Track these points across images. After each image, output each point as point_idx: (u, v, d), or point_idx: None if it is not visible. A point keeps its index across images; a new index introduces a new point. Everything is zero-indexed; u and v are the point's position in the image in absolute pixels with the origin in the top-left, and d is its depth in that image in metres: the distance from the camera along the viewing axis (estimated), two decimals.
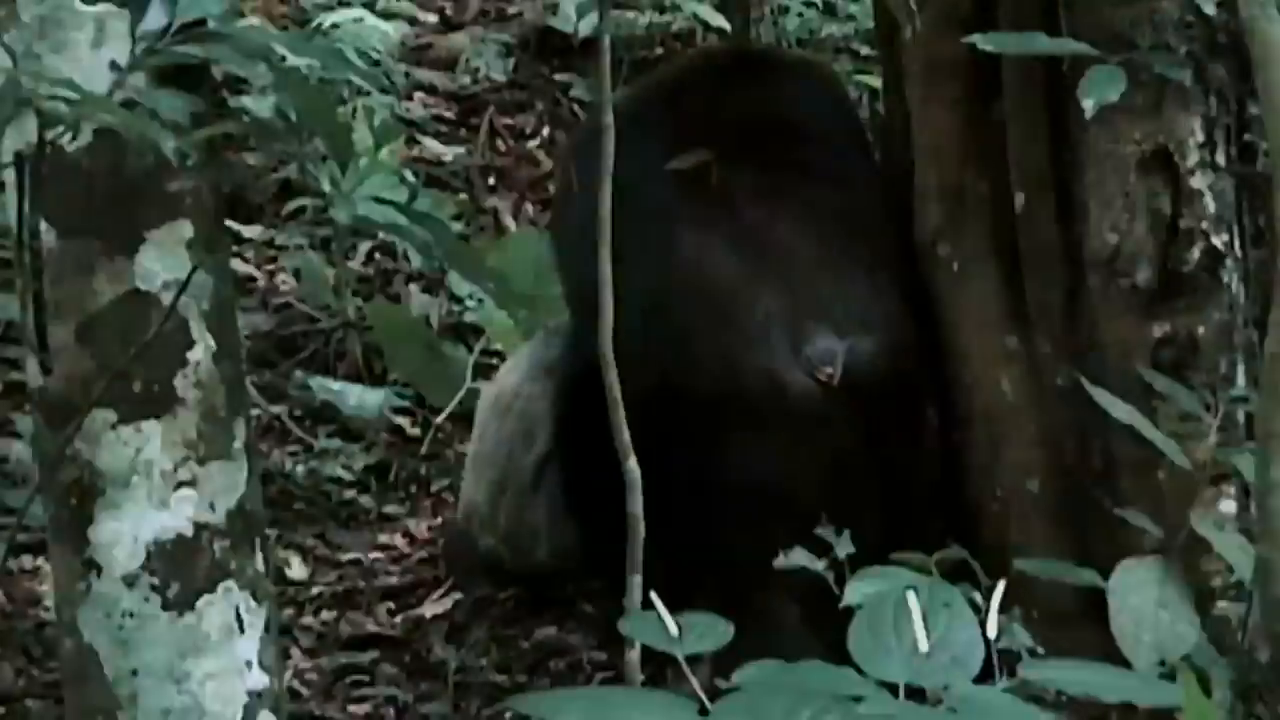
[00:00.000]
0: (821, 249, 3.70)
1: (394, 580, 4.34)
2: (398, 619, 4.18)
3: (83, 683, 2.40)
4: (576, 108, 6.21)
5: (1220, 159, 3.51)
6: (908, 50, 3.77)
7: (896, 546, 3.16)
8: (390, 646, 4.05)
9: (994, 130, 3.66)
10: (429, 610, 4.18)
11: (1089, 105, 3.16)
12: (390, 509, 4.66)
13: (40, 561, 4.14)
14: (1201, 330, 3.49)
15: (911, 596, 1.68)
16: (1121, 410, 3.12)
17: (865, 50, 6.12)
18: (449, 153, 5.33)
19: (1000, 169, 3.66)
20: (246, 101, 2.13)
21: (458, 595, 4.27)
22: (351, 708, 3.77)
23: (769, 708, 1.56)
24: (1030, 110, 3.58)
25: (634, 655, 2.59)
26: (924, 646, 1.66)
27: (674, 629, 1.81)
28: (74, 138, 2.25)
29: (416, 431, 4.84)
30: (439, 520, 4.56)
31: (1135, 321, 3.50)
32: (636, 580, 2.58)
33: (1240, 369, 3.51)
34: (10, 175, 2.32)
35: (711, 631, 1.85)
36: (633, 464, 2.58)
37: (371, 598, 4.26)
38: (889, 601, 1.74)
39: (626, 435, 2.58)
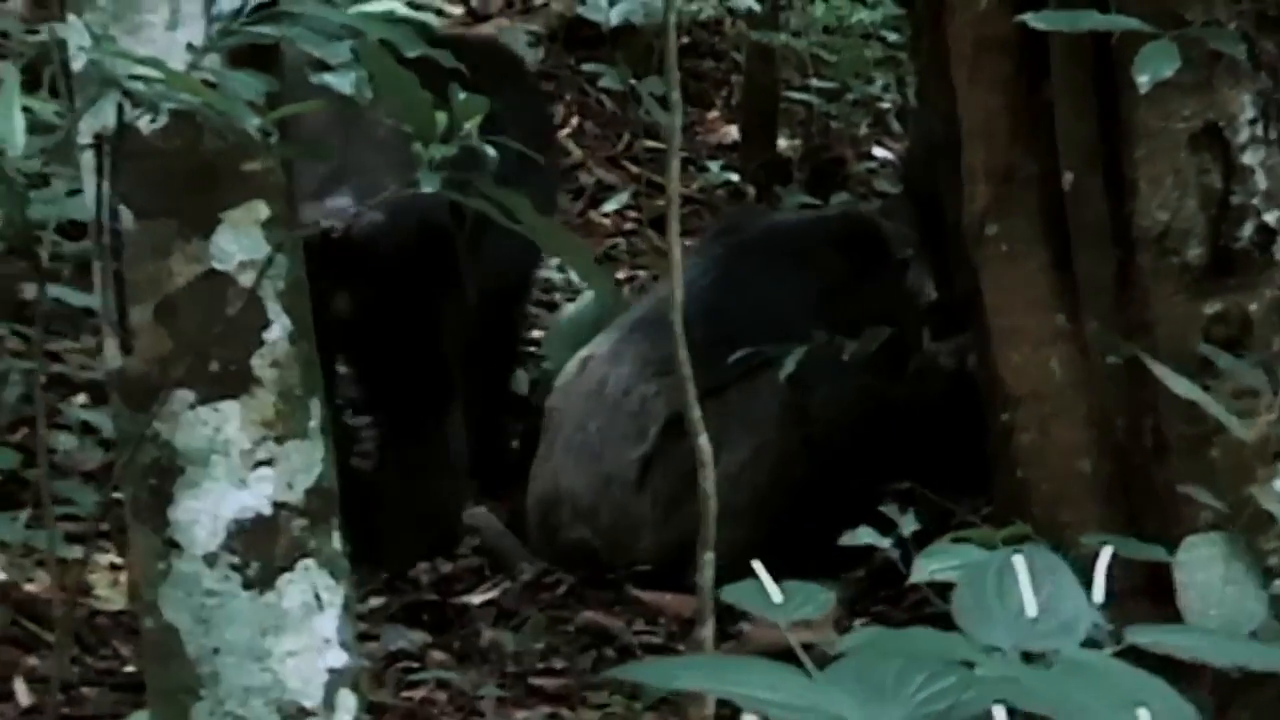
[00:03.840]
0: (378, 157, 3.66)
1: (443, 567, 4.36)
2: (445, 604, 4.19)
3: (165, 661, 2.41)
4: (605, 98, 6.23)
5: (1272, 134, 3.50)
6: (955, 31, 3.78)
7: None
8: (439, 632, 4.06)
9: (1042, 110, 3.68)
10: (477, 597, 4.19)
11: (1144, 81, 3.17)
12: None
13: (76, 550, 4.15)
14: (1254, 307, 3.49)
15: (1018, 560, 1.68)
16: (1182, 385, 3.13)
17: (893, 37, 6.13)
18: None
19: (1049, 148, 3.67)
20: (329, 79, 2.12)
21: (505, 582, 4.28)
22: (404, 693, 3.77)
23: (880, 674, 1.56)
24: (1079, 88, 3.59)
25: (706, 632, 2.60)
26: (1031, 611, 1.67)
27: (777, 595, 1.82)
28: (154, 119, 2.27)
29: None
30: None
31: (1186, 300, 3.51)
32: (709, 557, 2.60)
33: None
34: (88, 158, 2.34)
35: (812, 598, 1.86)
36: (704, 441, 2.59)
37: (419, 583, 4.27)
38: (991, 567, 1.74)
39: (697, 412, 2.59)
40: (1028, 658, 1.68)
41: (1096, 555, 3.09)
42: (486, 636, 4.01)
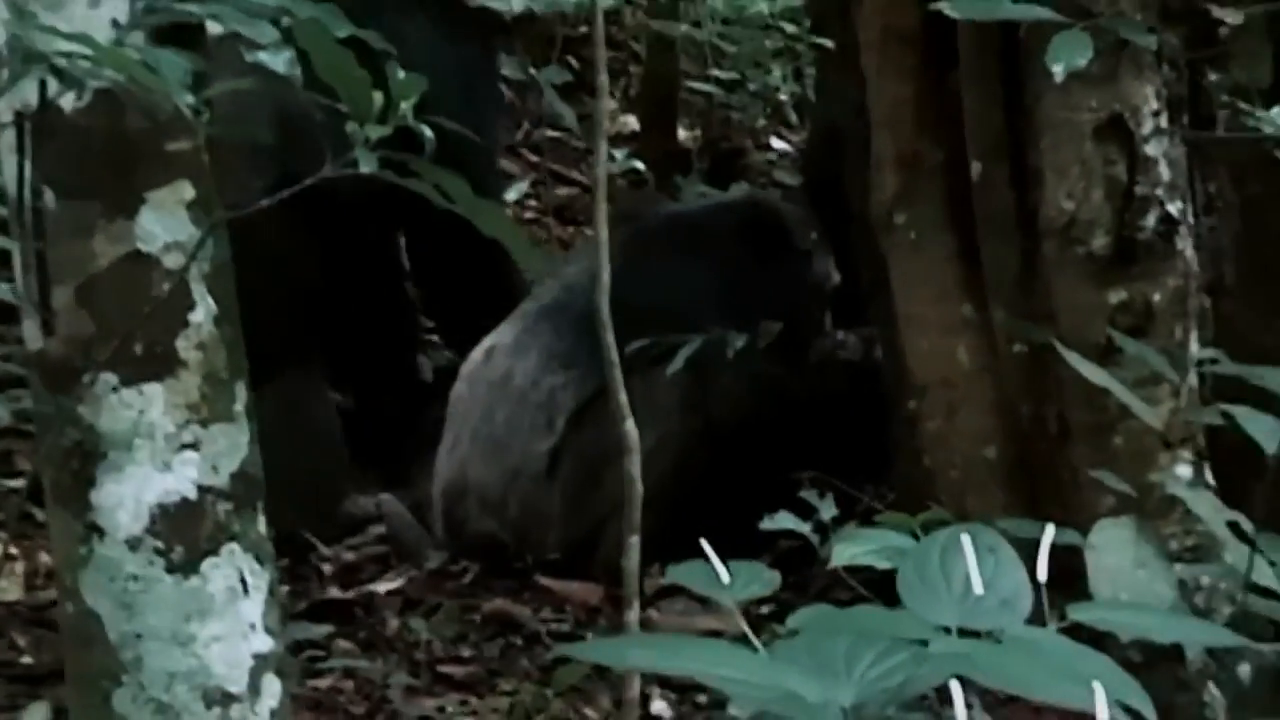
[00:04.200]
0: None
1: (347, 556, 4.33)
2: (350, 594, 4.16)
3: (86, 648, 2.39)
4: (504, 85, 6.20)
5: (1173, 126, 3.54)
6: (864, 20, 3.80)
7: None
8: (345, 621, 4.03)
9: (949, 99, 3.71)
10: (382, 586, 4.17)
11: (1058, 70, 3.20)
12: None
13: None
14: (1157, 297, 3.53)
15: (965, 539, 1.70)
16: (1093, 372, 3.16)
17: (791, 28, 6.15)
18: None
19: (956, 138, 3.70)
20: (263, 57, 2.10)
21: (411, 571, 4.26)
22: (311, 682, 3.75)
23: (830, 651, 1.57)
24: (986, 78, 3.62)
25: (633, 616, 2.61)
26: (979, 589, 1.68)
27: (725, 575, 1.83)
28: (79, 96, 2.24)
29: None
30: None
31: (1091, 289, 3.54)
32: (634, 541, 2.60)
33: (1194, 335, 3.56)
34: (8, 136, 2.31)
35: (758, 578, 1.87)
36: (630, 426, 2.59)
37: (322, 573, 4.25)
38: (935, 546, 1.76)
39: (623, 396, 2.59)
40: (968, 635, 1.69)
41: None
42: (392, 625, 3.98)
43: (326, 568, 4.29)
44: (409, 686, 3.73)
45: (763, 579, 1.88)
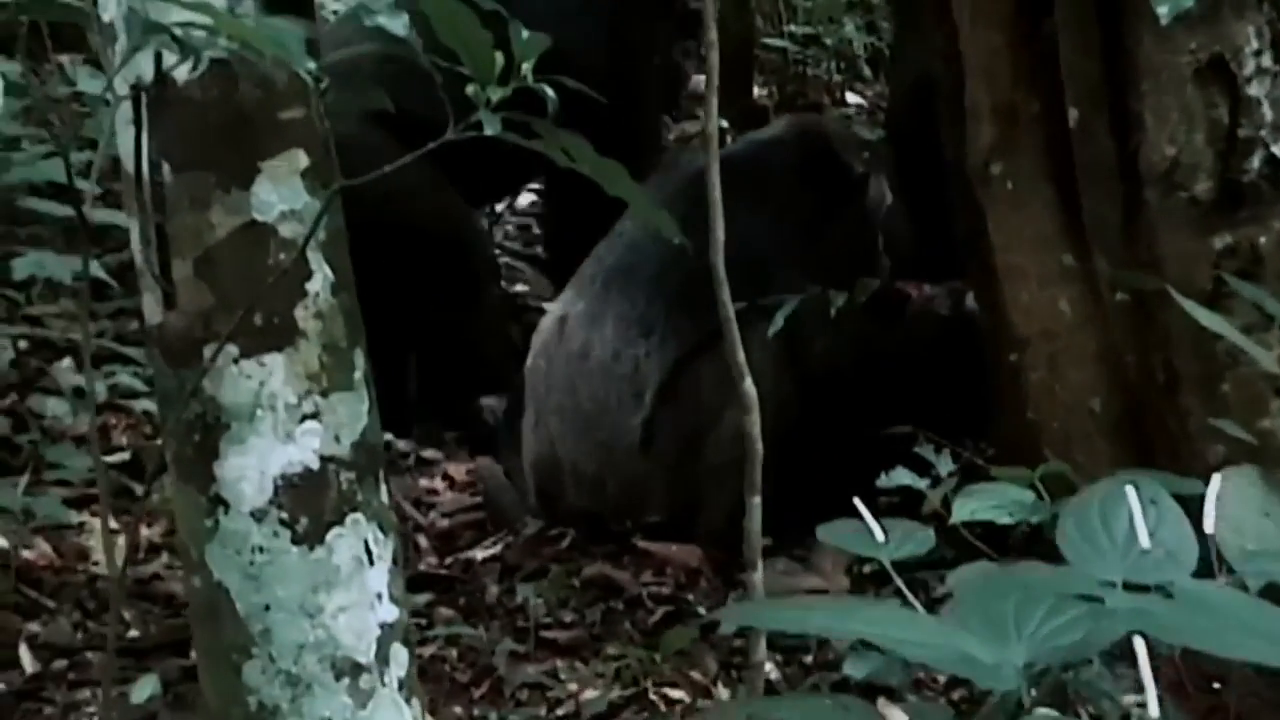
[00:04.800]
0: None
1: (442, 524, 4.32)
2: (448, 561, 4.15)
3: (214, 620, 2.37)
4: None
5: (1276, 66, 3.49)
6: None
7: None
8: (444, 589, 4.02)
9: (1045, 47, 3.66)
10: (480, 553, 4.15)
11: (1164, 12, 3.17)
12: (428, 453, 4.65)
13: (86, 516, 4.11)
14: (1263, 240, 3.49)
15: (1130, 492, 1.66)
16: (1208, 318, 3.12)
17: None
18: None
19: (1053, 86, 3.66)
20: (381, 20, 2.08)
21: (508, 537, 4.24)
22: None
23: (998, 610, 1.54)
24: (1083, 24, 3.57)
25: (757, 577, 2.58)
26: (1145, 543, 1.65)
27: (880, 534, 1.80)
28: (195, 66, 2.22)
29: None
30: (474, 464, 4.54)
31: (1196, 234, 3.50)
32: (756, 501, 2.57)
33: None
34: (124, 111, 2.29)
35: (912, 537, 1.83)
36: (749, 384, 2.57)
37: (418, 544, 4.24)
38: (1095, 499, 1.72)
39: (741, 356, 2.56)
40: (1134, 589, 1.66)
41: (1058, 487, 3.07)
42: (492, 592, 3.97)
43: (422, 538, 4.27)
44: (513, 652, 3.71)
45: (917, 538, 1.85)
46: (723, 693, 3.53)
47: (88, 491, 4.18)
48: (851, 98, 6.24)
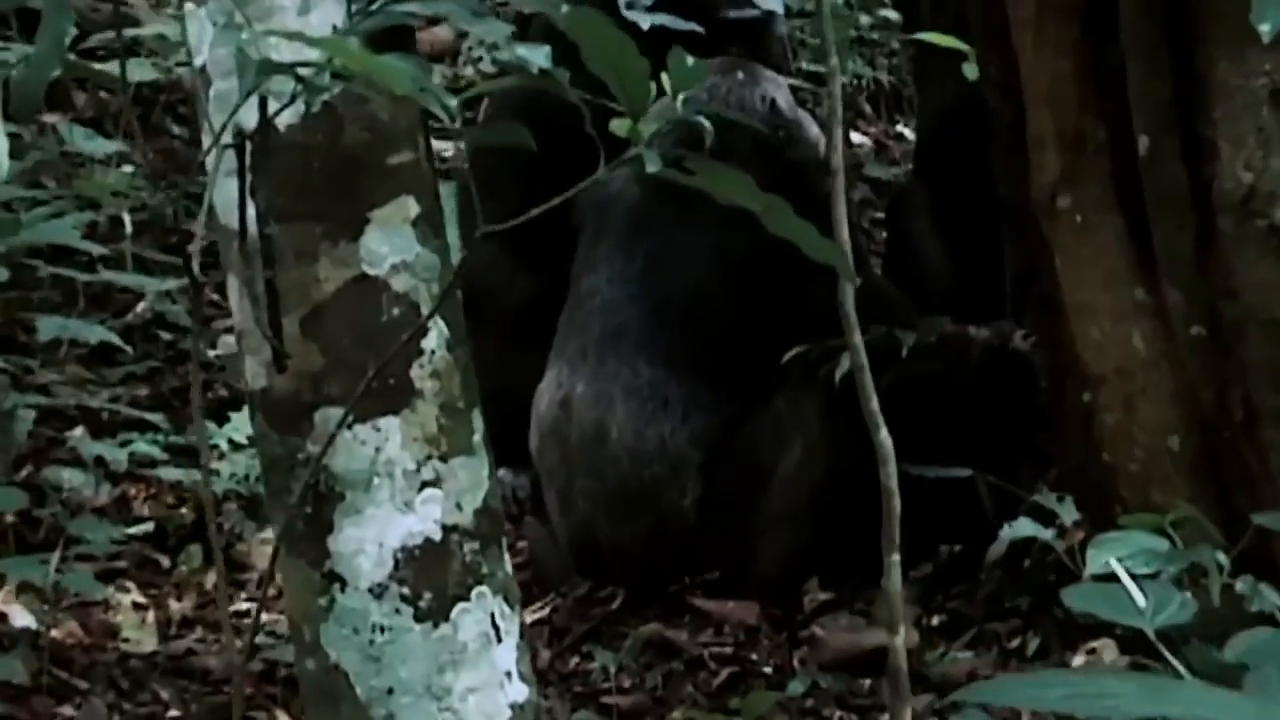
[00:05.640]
0: None
1: None
2: None
3: (331, 706, 2.20)
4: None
5: None
6: None
7: None
8: None
9: (1112, 73, 3.53)
10: (528, 616, 3.98)
11: (1266, 30, 3.03)
12: None
13: (111, 590, 3.93)
14: None
15: None
16: None
17: (865, 19, 5.98)
18: (449, 147, 5.11)
19: (1120, 113, 3.53)
20: (521, 53, 1.92)
21: (555, 599, 4.08)
22: None
23: None
24: (1152, 48, 3.45)
25: (899, 641, 2.43)
26: None
27: (1140, 600, 1.64)
28: (311, 108, 2.06)
29: None
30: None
31: (1275, 264, 3.38)
32: (895, 559, 2.42)
33: None
34: (228, 159, 2.12)
35: (1170, 602, 1.68)
36: (884, 435, 2.42)
37: None
38: None
39: (875, 403, 2.41)
40: None
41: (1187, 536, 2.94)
42: (544, 656, 3.80)
43: None
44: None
45: (1179, 603, 1.69)
46: None
47: (112, 565, 4.00)
48: (856, 137, 6.11)
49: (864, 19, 5.99)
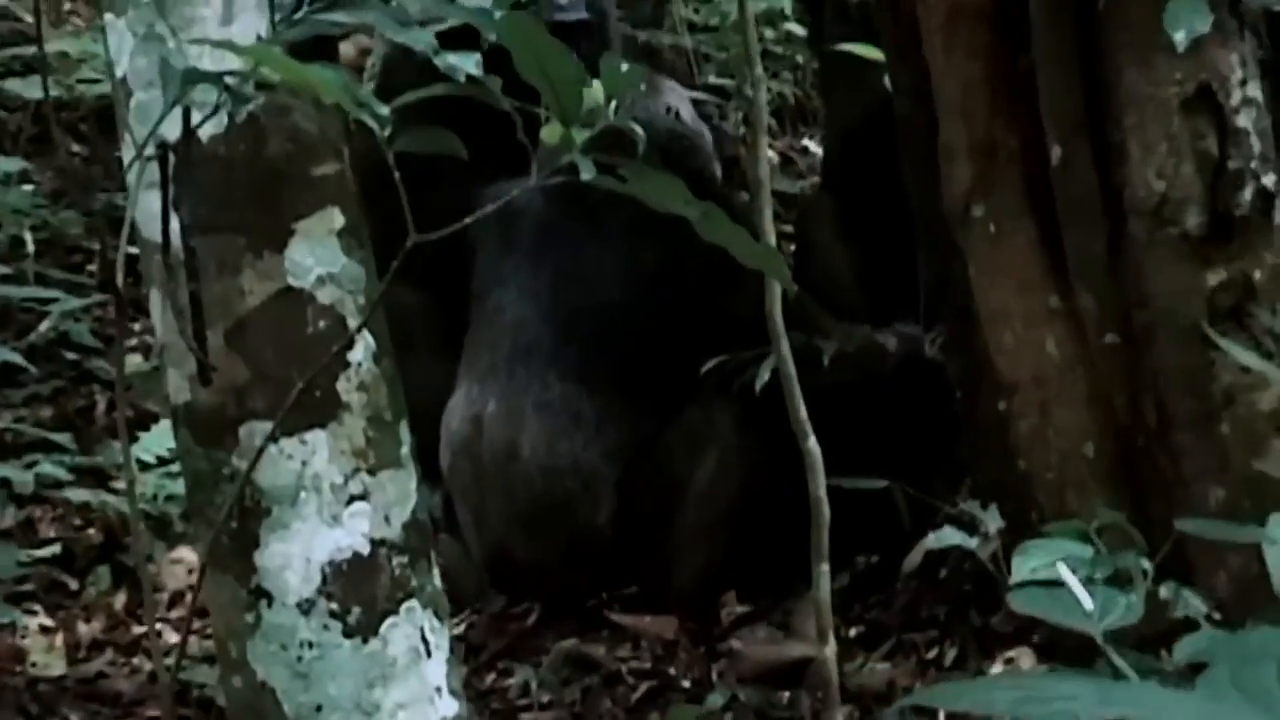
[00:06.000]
0: None
1: None
2: None
3: None
4: None
5: (1261, 96, 3.41)
6: (926, 3, 3.63)
7: None
8: None
9: (1023, 80, 3.55)
10: None
11: (1180, 38, 3.07)
12: None
13: (18, 614, 3.87)
14: (1258, 274, 3.39)
15: None
16: (1245, 356, 3.00)
17: (770, 33, 5.98)
18: None
19: (1032, 121, 3.54)
20: (452, 59, 1.90)
21: (470, 615, 4.06)
22: None
23: (1259, 681, 1.39)
24: (1061, 55, 3.46)
25: (829, 651, 2.42)
26: None
27: (1087, 602, 1.64)
28: (230, 120, 2.04)
29: None
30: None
31: (1187, 270, 3.39)
32: (824, 569, 2.41)
33: None
34: (147, 171, 2.09)
35: (1116, 604, 1.68)
36: (813, 444, 2.41)
37: None
38: None
39: (804, 412, 2.40)
40: None
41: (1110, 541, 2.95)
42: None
43: None
44: None
45: (1125, 605, 1.69)
46: None
47: (19, 589, 3.94)
48: None
49: (768, 33, 5.98)
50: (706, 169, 4.23)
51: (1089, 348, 3.55)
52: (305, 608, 2.15)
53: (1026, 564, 2.65)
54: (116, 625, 3.91)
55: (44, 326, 4.68)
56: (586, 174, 1.81)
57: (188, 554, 3.98)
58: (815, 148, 6.09)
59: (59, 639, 3.83)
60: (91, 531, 4.15)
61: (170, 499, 4.05)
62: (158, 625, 3.83)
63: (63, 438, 4.18)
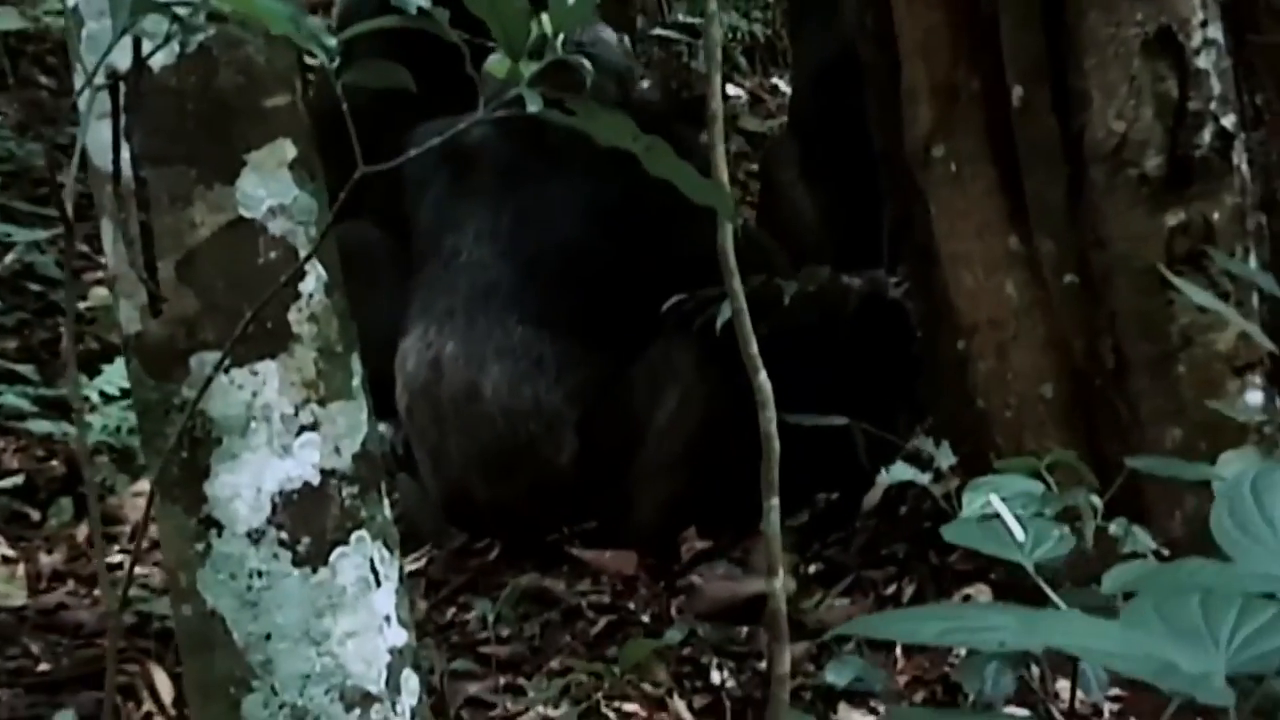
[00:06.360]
0: None
1: None
2: None
3: (207, 652, 2.18)
4: None
5: (1220, 37, 3.42)
6: None
7: None
8: None
9: (985, 24, 3.56)
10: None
11: None
12: None
13: None
14: (1216, 216, 3.40)
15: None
16: (1200, 295, 3.01)
17: None
18: None
19: (993, 64, 3.56)
20: None
21: (431, 551, 4.07)
22: None
23: (1182, 613, 1.41)
24: None
25: (778, 584, 2.44)
26: None
27: (1019, 534, 1.66)
28: (181, 51, 2.04)
29: None
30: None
31: (1146, 213, 3.41)
32: (774, 504, 2.43)
33: (1253, 254, 3.44)
34: (98, 100, 2.09)
35: (1049, 536, 1.70)
36: (763, 379, 2.42)
37: None
38: (1244, 485, 1.60)
39: (754, 347, 2.42)
40: None
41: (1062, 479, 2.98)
42: (420, 608, 3.79)
43: None
44: (453, 671, 3.54)
45: (1057, 538, 1.71)
46: (679, 704, 3.38)
47: None
48: (731, 89, 6.11)
49: None
50: (655, 103, 4.24)
51: (1048, 290, 3.57)
52: (255, 537, 2.16)
53: (977, 499, 2.66)
54: (78, 557, 3.92)
55: (9, 259, 4.68)
56: (533, 106, 1.82)
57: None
58: (785, 87, 6.09)
59: (20, 569, 3.84)
60: (54, 463, 4.16)
61: (133, 432, 4.04)
62: (120, 557, 3.84)
63: (26, 369, 4.18)
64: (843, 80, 4.25)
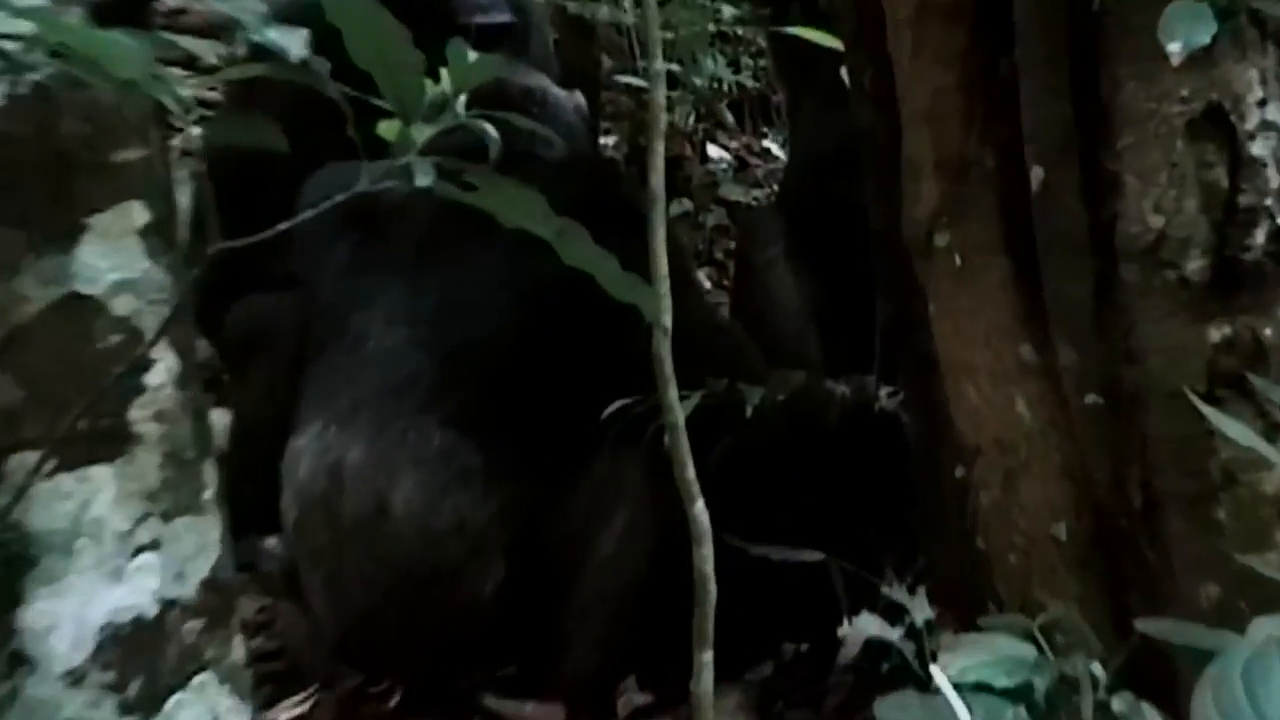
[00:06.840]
0: None
1: None
2: None
3: None
4: None
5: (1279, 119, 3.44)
6: None
7: None
8: None
9: (1003, 89, 3.58)
10: (283, 714, 3.97)
11: (1176, 50, 3.09)
12: None
13: None
14: (1268, 332, 3.41)
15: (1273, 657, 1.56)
16: (1238, 431, 3.03)
17: (729, 11, 6.02)
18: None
19: (1011, 137, 3.58)
20: (274, 35, 1.92)
21: (318, 692, 4.07)
22: None
23: None
24: (1051, 62, 3.50)
25: None
26: None
27: (963, 714, 1.67)
28: (9, 92, 2.06)
29: None
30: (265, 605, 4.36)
31: (1186, 323, 3.42)
32: (707, 658, 2.44)
33: None
34: None
35: (999, 715, 1.71)
36: (700, 508, 2.44)
37: None
38: (1234, 669, 1.61)
39: (691, 471, 2.43)
40: None
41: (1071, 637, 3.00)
42: None
43: None
44: None
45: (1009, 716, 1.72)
46: None
47: None
48: (714, 150, 6.14)
49: (726, 10, 6.02)
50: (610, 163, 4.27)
51: (1066, 410, 3.58)
52: (74, 678, 2.16)
53: (956, 664, 2.68)
54: None
55: None
56: (422, 180, 1.83)
57: None
58: (778, 150, 6.13)
59: None
60: None
61: None
62: None
63: None
64: (845, 157, 4.28)
